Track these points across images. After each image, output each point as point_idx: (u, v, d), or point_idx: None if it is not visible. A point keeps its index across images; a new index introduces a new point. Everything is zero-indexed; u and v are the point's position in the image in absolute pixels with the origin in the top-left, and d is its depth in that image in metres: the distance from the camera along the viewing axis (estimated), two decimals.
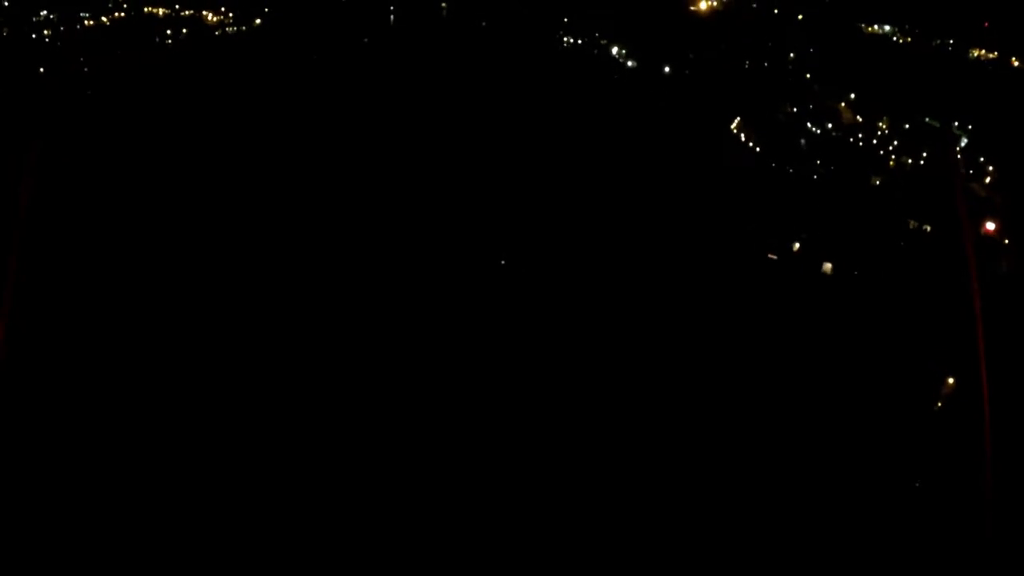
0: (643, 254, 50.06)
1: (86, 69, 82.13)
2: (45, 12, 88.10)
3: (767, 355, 38.76)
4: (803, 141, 66.58)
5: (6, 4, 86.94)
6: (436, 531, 27.40)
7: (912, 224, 46.95)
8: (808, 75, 79.24)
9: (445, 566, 26.47)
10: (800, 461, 31.58)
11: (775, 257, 47.95)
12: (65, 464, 29.08)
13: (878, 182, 58.16)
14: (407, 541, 27.03)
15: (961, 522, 26.63)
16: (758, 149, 67.43)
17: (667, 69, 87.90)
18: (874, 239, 49.29)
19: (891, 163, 62.49)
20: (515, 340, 39.79)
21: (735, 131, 72.29)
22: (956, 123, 65.55)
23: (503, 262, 48.99)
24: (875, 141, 65.78)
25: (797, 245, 47.86)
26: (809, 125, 69.50)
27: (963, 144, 63.36)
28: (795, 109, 72.17)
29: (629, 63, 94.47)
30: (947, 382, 33.10)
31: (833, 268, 45.09)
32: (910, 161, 61.64)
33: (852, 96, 72.91)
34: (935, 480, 29.73)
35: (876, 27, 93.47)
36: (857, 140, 66.42)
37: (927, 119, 66.59)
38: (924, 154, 61.98)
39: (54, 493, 27.69)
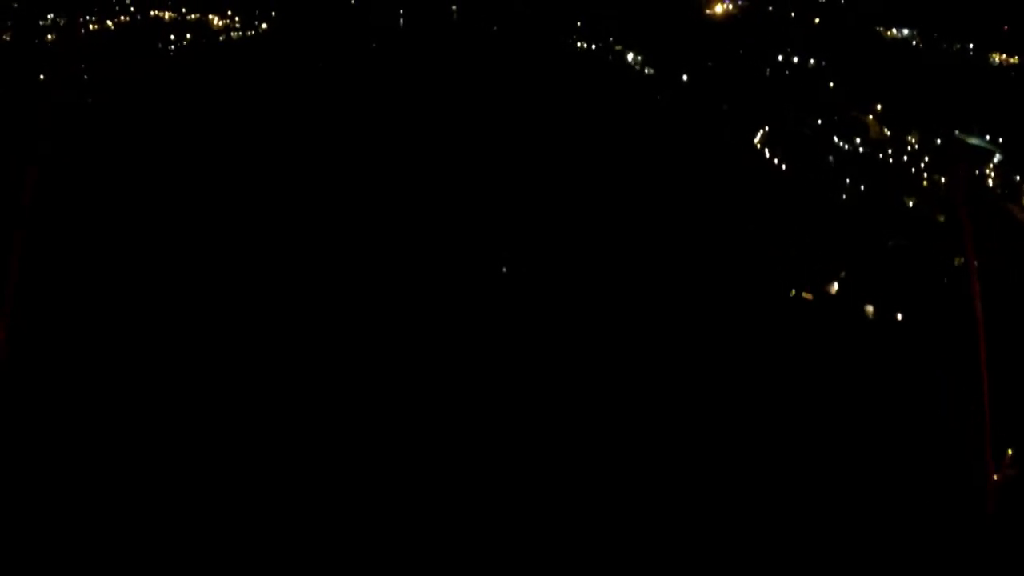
0: (658, 280, 48.60)
1: (87, 76, 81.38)
2: (50, 16, 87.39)
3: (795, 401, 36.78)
4: (831, 158, 64.81)
5: (15, 5, 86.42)
6: (436, 533, 27.27)
7: (958, 261, 44.49)
8: (832, 84, 77.44)
9: (445, 566, 26.28)
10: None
11: (810, 297, 46.14)
12: (66, 464, 28.92)
13: (911, 203, 56.26)
14: (407, 543, 26.90)
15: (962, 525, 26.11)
16: (784, 166, 65.70)
17: (685, 77, 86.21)
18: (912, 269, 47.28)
19: (924, 183, 60.58)
20: (519, 352, 39.29)
21: (759, 145, 70.58)
22: (987, 136, 63.58)
23: (504, 269, 48.75)
24: (906, 158, 63.75)
25: (836, 286, 45.88)
26: (836, 139, 67.63)
27: (997, 160, 61.25)
28: (820, 122, 70.29)
29: (646, 70, 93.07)
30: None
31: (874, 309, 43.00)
32: (942, 180, 59.69)
33: (879, 107, 70.92)
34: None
35: (895, 31, 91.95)
36: (887, 156, 64.43)
37: (956, 132, 64.56)
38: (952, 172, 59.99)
39: (54, 493, 27.48)
